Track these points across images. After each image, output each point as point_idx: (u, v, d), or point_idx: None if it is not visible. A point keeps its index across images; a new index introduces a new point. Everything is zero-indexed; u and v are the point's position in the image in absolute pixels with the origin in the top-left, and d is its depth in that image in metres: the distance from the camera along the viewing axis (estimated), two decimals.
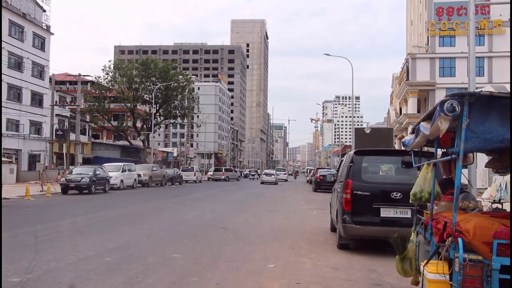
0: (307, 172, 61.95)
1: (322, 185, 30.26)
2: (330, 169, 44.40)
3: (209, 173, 48.65)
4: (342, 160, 10.63)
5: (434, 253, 3.85)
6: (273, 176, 44.66)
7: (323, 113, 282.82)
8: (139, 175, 31.46)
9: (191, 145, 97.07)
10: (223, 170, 51.23)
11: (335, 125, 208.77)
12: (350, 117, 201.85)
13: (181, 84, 53.45)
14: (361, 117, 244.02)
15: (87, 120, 52.80)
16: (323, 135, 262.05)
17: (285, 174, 58.74)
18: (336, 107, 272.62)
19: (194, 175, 44.16)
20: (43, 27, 43.79)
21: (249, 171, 56.36)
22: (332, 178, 12.29)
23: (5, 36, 37.28)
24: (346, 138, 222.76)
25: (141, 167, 34.06)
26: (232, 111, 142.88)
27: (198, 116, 77.93)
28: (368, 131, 24.42)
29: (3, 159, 30.98)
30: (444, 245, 3.67)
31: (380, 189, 8.19)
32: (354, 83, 42.04)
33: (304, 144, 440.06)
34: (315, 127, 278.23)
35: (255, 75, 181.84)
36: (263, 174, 47.10)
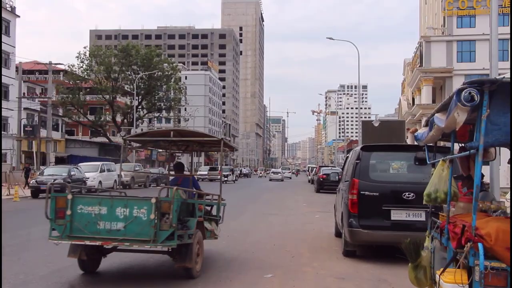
0: (308, 171, 62.48)
1: (325, 185, 30.42)
2: (334, 167, 44.45)
3: (199, 172, 48.75)
4: (347, 157, 10.65)
5: (451, 261, 3.85)
6: (279, 174, 58.49)
7: (326, 105, 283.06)
8: (119, 176, 31.37)
9: None
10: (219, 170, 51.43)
11: (339, 117, 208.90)
12: (356, 108, 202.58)
13: (166, 73, 53.39)
14: (369, 108, 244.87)
15: (60, 114, 52.63)
16: (326, 129, 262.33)
17: (289, 172, 73.61)
18: (340, 98, 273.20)
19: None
20: (7, 8, 43.42)
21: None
22: (337, 177, 12.36)
23: None
24: (352, 132, 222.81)
25: (122, 167, 34.19)
26: (224, 103, 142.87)
27: (185, 109, 77.78)
28: (376, 124, 24.47)
29: None
30: (462, 252, 3.65)
31: (390, 189, 8.21)
32: (360, 71, 42.16)
33: (305, 139, 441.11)
34: (317, 120, 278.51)
35: (249, 63, 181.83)
36: (271, 172, 62.42)
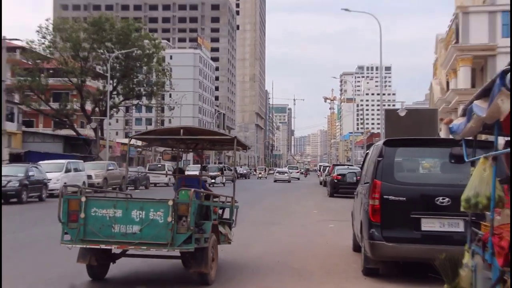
0: (320, 171, 62.77)
1: (340, 187, 30.86)
2: (352, 165, 44.35)
3: (187, 172, 49.04)
4: (367, 154, 10.68)
5: (497, 281, 3.84)
6: (286, 174, 60.21)
7: (341, 90, 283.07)
8: (89, 177, 31.50)
9: None
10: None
11: (357, 106, 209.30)
12: (378, 94, 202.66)
13: (147, 51, 53.54)
14: (393, 94, 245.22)
15: (16, 101, 52.56)
16: (341, 119, 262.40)
17: (297, 172, 74.88)
18: (359, 82, 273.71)
19: (166, 176, 44.86)
20: None
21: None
22: (354, 178, 12.34)
23: None
24: (372, 124, 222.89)
25: (93, 166, 34.25)
26: (217, 88, 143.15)
27: (170, 96, 77.95)
28: (403, 114, 24.43)
29: None
30: (510, 271, 3.65)
31: (420, 193, 8.25)
32: (382, 49, 42.07)
33: (315, 132, 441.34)
34: (330, 109, 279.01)
35: (248, 39, 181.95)
36: (276, 172, 63.70)
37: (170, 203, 7.28)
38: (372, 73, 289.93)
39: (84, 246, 7.56)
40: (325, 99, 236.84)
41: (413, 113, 25.52)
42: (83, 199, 7.48)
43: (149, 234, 7.29)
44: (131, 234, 7.36)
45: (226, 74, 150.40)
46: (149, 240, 7.29)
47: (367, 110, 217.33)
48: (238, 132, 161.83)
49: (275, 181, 58.79)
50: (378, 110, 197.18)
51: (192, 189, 7.55)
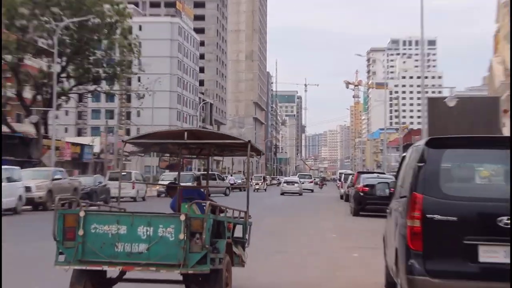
0: (340, 180, 62.91)
1: (368, 203, 31.34)
2: (383, 173, 44.24)
3: (161, 181, 49.42)
4: (404, 158, 10.64)
5: None
6: (296, 185, 62.14)
7: (368, 72, 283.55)
8: (28, 189, 31.39)
9: (128, 133, 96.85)
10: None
11: (391, 93, 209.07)
12: (418, 78, 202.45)
13: (108, 20, 53.56)
14: (439, 77, 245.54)
15: None
16: (368, 111, 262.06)
17: (310, 182, 78.54)
18: (392, 61, 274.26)
19: (133, 188, 45.25)
20: None
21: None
22: (387, 191, 12.24)
23: None
24: (411, 118, 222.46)
25: (33, 174, 34.17)
26: (202, 70, 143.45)
27: (140, 80, 77.88)
28: (452, 104, 24.43)
29: None
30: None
31: (476, 211, 8.22)
32: (425, 16, 42.04)
33: (334, 128, 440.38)
34: (354, 97, 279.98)
35: (242, 4, 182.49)
36: (284, 182, 66.66)
37: (182, 218, 8.06)
38: (410, 49, 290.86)
39: (84, 267, 8.21)
40: (347, 84, 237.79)
41: (466, 103, 25.52)
42: (82, 213, 8.17)
43: (158, 254, 8.03)
44: (137, 254, 8.08)
45: (214, 50, 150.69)
46: (158, 260, 8.03)
47: (403, 99, 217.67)
48: (230, 129, 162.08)
49: (282, 193, 59.71)
50: (419, 99, 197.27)
51: (208, 202, 8.64)
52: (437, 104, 26.26)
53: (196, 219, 8.20)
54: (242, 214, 10.69)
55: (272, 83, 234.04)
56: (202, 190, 11.84)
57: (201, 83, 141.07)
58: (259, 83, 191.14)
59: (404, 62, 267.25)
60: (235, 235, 10.52)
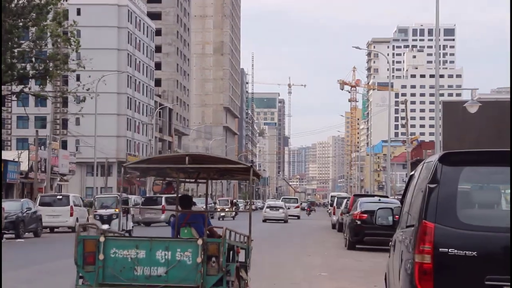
0: (332, 205, 63.03)
1: (366, 233, 31.70)
2: (386, 196, 44.10)
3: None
4: (411, 177, 10.68)
5: None
6: (281, 210, 66.12)
7: (369, 70, 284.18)
8: None
9: (64, 146, 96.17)
10: (164, 202, 55.61)
11: (397, 96, 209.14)
12: (432, 77, 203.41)
13: (37, 1, 53.35)
14: (458, 76, 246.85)
15: None
16: (368, 119, 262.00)
17: (296, 207, 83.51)
18: (399, 55, 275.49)
19: (71, 215, 45.15)
20: None
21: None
22: (390, 219, 12.25)
23: None
24: (422, 127, 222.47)
25: None
26: (158, 66, 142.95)
27: (79, 79, 77.24)
28: (474, 110, 24.51)
29: None
30: None
31: (502, 244, 8.24)
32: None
33: (324, 140, 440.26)
34: (350, 101, 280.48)
35: None
36: (266, 207, 71.49)
37: (200, 242, 10.71)
38: (422, 40, 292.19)
39: None
40: (342, 84, 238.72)
41: (491, 108, 25.66)
42: (102, 239, 10.77)
43: (177, 277, 10.67)
44: (156, 277, 10.72)
45: (173, 41, 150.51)
46: (176, 283, 10.66)
47: (413, 103, 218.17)
48: (194, 141, 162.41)
49: (264, 220, 61.51)
50: (431, 103, 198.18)
51: (224, 227, 11.38)
52: (454, 110, 26.40)
53: (213, 244, 10.78)
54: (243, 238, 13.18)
55: (247, 83, 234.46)
56: (203, 214, 14.17)
57: (158, 83, 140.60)
58: (230, 83, 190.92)
59: (414, 56, 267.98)
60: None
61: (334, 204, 60.46)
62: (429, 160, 9.54)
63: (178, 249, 10.68)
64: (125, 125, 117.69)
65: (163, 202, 56.75)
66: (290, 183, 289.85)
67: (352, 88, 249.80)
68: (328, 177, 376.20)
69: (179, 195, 14.60)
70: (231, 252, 11.93)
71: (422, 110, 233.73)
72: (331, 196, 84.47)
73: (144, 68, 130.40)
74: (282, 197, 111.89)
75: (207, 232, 13.08)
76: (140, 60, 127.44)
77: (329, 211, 71.44)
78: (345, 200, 50.39)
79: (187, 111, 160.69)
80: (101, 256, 10.56)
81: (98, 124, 79.95)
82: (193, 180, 15.48)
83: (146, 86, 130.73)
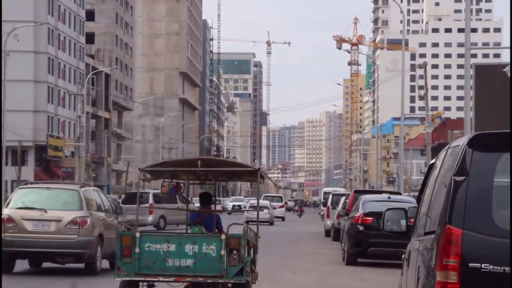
0: (327, 205, 63.36)
1: (371, 243, 31.94)
2: (398, 193, 44.26)
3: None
4: (431, 167, 10.67)
5: None
6: (266, 211, 72.72)
7: (375, 22, 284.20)
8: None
9: None
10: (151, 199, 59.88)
11: (413, 57, 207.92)
12: (461, 32, 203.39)
13: None
14: (497, 31, 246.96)
15: None
16: (374, 89, 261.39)
17: (281, 206, 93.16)
18: (416, 2, 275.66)
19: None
20: None
21: None
22: (403, 223, 12.20)
23: None
24: (447, 100, 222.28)
25: None
26: (91, 17, 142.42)
27: None
28: None
29: None
30: None
31: None
32: None
33: (315, 117, 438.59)
34: (351, 64, 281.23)
35: None
36: (249, 206, 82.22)
37: (223, 237, 16.75)
38: None
39: (142, 279, 16.95)
40: (340, 42, 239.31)
41: None
42: (138, 234, 16.85)
43: (203, 267, 16.62)
44: (185, 267, 16.71)
45: None
46: (202, 272, 16.63)
47: (434, 66, 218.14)
48: (140, 118, 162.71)
49: (247, 222, 61.54)
50: (460, 67, 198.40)
51: (244, 223, 18.52)
52: (491, 77, 26.60)
53: (234, 238, 16.91)
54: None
55: (211, 39, 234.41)
56: (218, 217, 20.57)
57: (90, 39, 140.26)
58: (189, 39, 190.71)
59: (436, 3, 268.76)
60: None
61: (329, 204, 60.96)
62: (456, 144, 9.41)
63: (204, 243, 16.58)
64: (46, 96, 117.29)
65: (150, 200, 60.42)
66: (270, 176, 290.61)
67: (353, 47, 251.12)
68: (320, 167, 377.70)
69: (201, 192, 21.91)
70: (246, 247, 17.29)
71: (447, 77, 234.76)
72: (324, 193, 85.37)
73: (72, 18, 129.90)
74: (264, 194, 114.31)
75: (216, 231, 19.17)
76: (65, 7, 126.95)
77: (322, 213, 71.70)
78: (343, 198, 50.56)
79: (130, 78, 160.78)
80: (137, 250, 16.37)
81: (8, 94, 79.52)
82: (202, 182, 22.87)
83: (75, 43, 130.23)
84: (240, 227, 19.25)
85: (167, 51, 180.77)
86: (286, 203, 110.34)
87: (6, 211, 32.11)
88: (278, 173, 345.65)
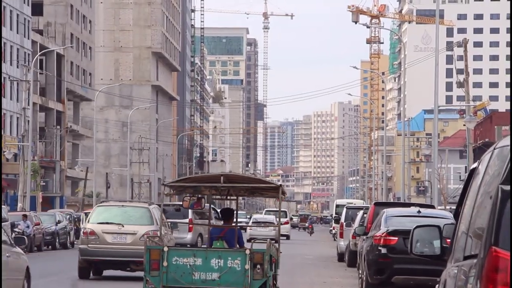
0: (339, 222, 63.60)
1: (396, 268, 32.25)
2: (431, 205, 44.28)
3: None
4: (473, 172, 10.62)
5: None
6: (271, 227, 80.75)
7: None
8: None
9: None
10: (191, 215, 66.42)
11: (450, 34, 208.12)
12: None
13: None
14: None
15: None
16: (400, 73, 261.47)
17: (285, 223, 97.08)
18: None
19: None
20: None
21: None
22: (437, 244, 12.19)
23: None
24: (494, 88, 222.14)
25: None
26: None
27: None
28: None
29: None
30: None
31: None
32: None
33: (325, 109, 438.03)
34: (370, 42, 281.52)
35: None
36: (252, 221, 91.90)
37: (247, 252, 24.61)
38: None
39: None
40: (356, 14, 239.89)
41: None
42: (166, 248, 24.82)
43: (228, 281, 24.62)
44: (211, 281, 24.62)
45: None
46: (227, 286, 24.66)
47: (478, 45, 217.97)
48: (102, 110, 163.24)
49: (249, 240, 64.62)
50: (508, 45, 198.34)
51: (268, 239, 24.19)
52: None
53: (258, 253, 23.86)
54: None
55: (193, 11, 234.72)
56: (240, 233, 27.21)
57: (37, 9, 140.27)
58: (164, 11, 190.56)
59: None
60: None
61: (342, 220, 61.07)
62: (504, 143, 9.32)
63: (229, 257, 21.90)
64: None
65: (190, 215, 68.44)
66: (271, 180, 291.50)
67: (373, 20, 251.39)
68: (331, 174, 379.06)
69: (223, 208, 27.35)
70: (269, 262, 22.58)
71: (494, 58, 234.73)
72: (337, 206, 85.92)
73: None
74: (266, 209, 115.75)
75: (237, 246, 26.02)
76: None
77: (334, 231, 71.89)
78: (360, 213, 50.68)
79: (89, 60, 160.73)
80: (165, 263, 21.70)
81: None
82: (224, 197, 29.32)
83: (17, 15, 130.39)
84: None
85: (136, 25, 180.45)
86: (291, 218, 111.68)
87: (88, 226, 48.47)
88: (278, 180, 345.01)
